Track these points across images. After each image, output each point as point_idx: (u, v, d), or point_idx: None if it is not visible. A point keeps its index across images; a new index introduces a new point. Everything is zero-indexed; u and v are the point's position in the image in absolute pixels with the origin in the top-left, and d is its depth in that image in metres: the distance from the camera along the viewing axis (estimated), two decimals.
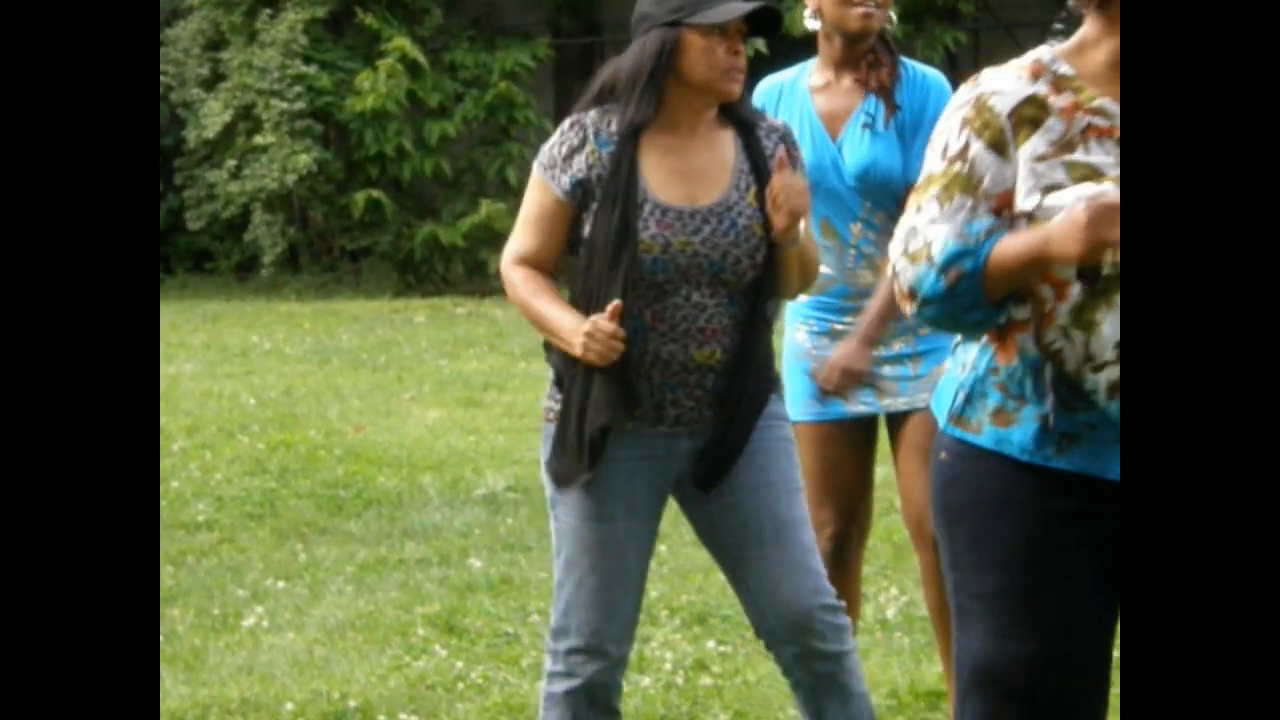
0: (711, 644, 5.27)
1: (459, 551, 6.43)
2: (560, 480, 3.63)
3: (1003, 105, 2.81)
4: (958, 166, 2.82)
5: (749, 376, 3.61)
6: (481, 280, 15.80)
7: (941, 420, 2.97)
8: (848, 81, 4.30)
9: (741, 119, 3.67)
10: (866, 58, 4.29)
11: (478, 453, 8.23)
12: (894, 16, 4.35)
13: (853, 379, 4.18)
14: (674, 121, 3.62)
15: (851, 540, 4.44)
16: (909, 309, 2.89)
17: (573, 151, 3.60)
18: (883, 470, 7.54)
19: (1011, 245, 2.79)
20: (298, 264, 16.60)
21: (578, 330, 3.52)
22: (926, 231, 2.85)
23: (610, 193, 3.56)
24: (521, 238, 3.67)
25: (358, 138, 15.84)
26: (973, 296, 2.82)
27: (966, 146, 2.82)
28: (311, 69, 15.77)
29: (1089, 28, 2.88)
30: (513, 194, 15.86)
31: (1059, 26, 9.66)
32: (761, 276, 3.60)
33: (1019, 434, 2.87)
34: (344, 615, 5.64)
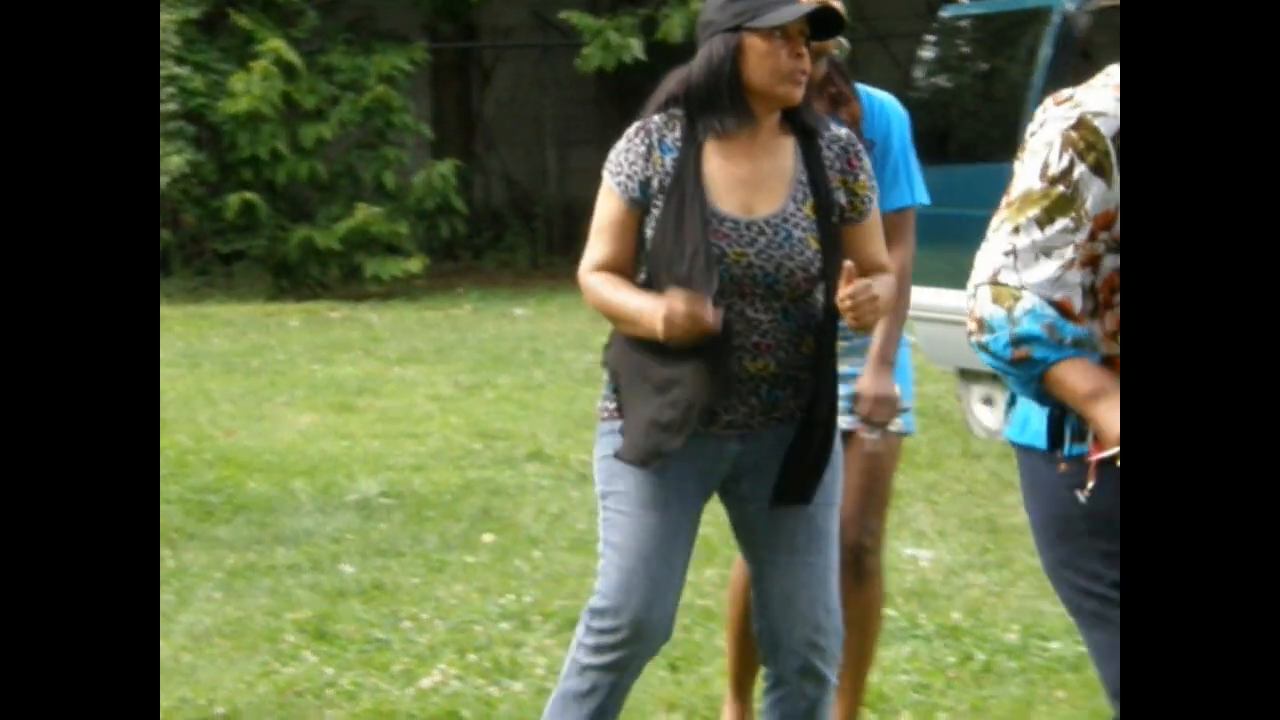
0: None
1: (330, 557, 6.38)
2: (644, 458, 3.64)
3: (1107, 128, 2.79)
4: (1060, 189, 2.80)
5: (826, 393, 3.64)
6: (357, 284, 15.71)
7: (1065, 446, 2.89)
8: None
9: (805, 127, 3.67)
10: (828, 90, 4.18)
11: (350, 458, 8.18)
12: (844, 40, 4.19)
13: (894, 405, 4.12)
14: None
15: None
16: (974, 336, 2.87)
17: (639, 158, 3.64)
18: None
19: (1072, 377, 2.81)
20: (169, 267, 16.43)
21: (656, 313, 3.53)
22: (1024, 273, 2.82)
23: (677, 202, 3.58)
24: (595, 246, 3.70)
25: (231, 140, 15.71)
26: (1028, 381, 2.85)
27: (1070, 168, 2.80)
28: (184, 70, 15.62)
29: None
30: (389, 198, 15.79)
31: (929, 38, 9.74)
32: (819, 288, 3.61)
33: None
34: (212, 621, 5.58)
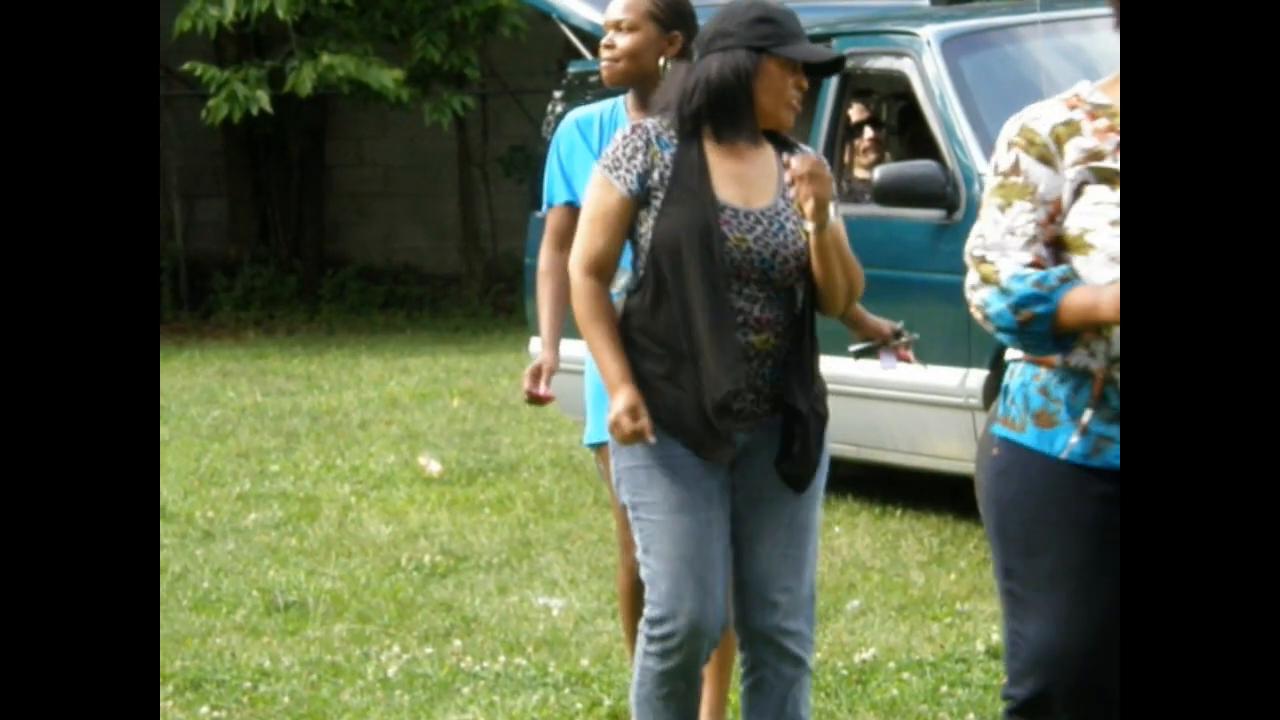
0: (205, 709, 5.13)
1: None
2: (711, 456, 3.94)
3: (1042, 126, 3.24)
4: (1013, 179, 3.25)
5: (810, 384, 3.99)
6: None
7: (993, 422, 3.33)
8: None
9: (781, 139, 4.08)
10: None
11: None
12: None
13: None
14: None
15: None
16: (985, 324, 3.25)
17: (637, 151, 3.95)
18: (392, 528, 7.53)
19: (1074, 300, 3.18)
20: None
21: (617, 392, 3.89)
22: (997, 250, 3.23)
23: (680, 191, 3.92)
24: (588, 239, 3.98)
25: None
26: (1042, 335, 3.21)
27: (1017, 162, 3.25)
28: None
29: None
30: None
31: (558, 94, 9.85)
32: (804, 280, 4.00)
33: (1060, 436, 3.24)
34: None
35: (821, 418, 4.03)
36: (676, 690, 4.00)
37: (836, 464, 7.92)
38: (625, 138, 3.97)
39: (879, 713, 5.06)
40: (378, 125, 16.74)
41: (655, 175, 3.94)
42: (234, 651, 5.71)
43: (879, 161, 7.92)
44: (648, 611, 4.00)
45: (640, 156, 3.94)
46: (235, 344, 14.63)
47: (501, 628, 5.96)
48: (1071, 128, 3.22)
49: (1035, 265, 3.21)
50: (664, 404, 3.94)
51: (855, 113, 8.16)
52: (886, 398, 7.17)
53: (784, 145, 4.07)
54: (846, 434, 6.55)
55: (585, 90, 10.15)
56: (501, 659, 5.57)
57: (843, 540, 7.19)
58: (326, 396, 11.39)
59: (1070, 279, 3.19)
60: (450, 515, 7.77)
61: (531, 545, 7.21)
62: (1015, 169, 3.25)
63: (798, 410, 3.97)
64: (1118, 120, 3.20)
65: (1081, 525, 3.22)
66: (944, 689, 5.21)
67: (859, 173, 8.03)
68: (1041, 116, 3.26)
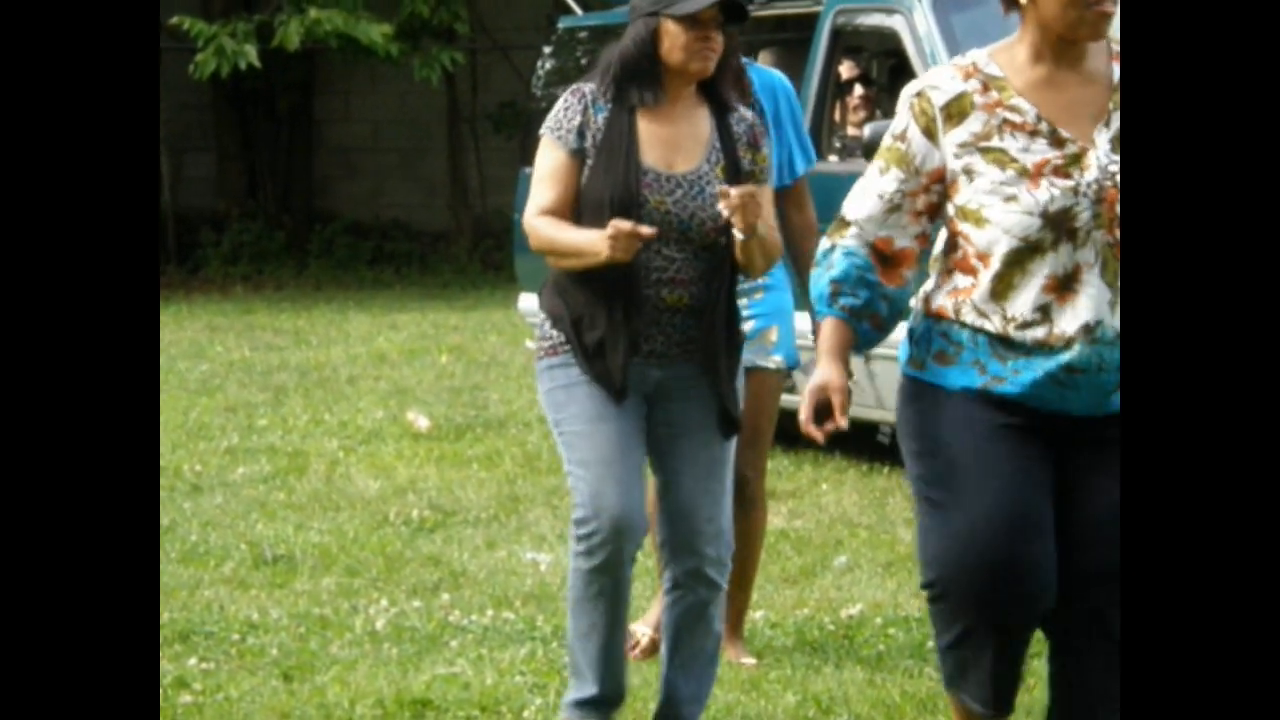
0: (193, 661, 5.14)
1: None
2: (610, 391, 4.20)
3: (938, 99, 3.45)
4: (900, 145, 3.49)
5: (722, 329, 4.23)
6: None
7: (901, 361, 3.61)
8: None
9: (719, 101, 4.31)
10: (732, 63, 4.61)
11: None
12: None
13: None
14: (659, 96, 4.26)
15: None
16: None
17: (576, 113, 4.21)
18: (403, 474, 7.54)
19: (823, 333, 3.60)
20: None
21: (601, 238, 4.07)
22: (857, 208, 3.52)
23: (607, 155, 4.17)
24: (539, 193, 4.23)
25: None
26: (816, 311, 3.60)
27: (907, 129, 3.47)
28: None
29: (1020, 28, 3.47)
30: None
31: (548, 50, 9.83)
32: (726, 237, 4.18)
33: (953, 374, 3.51)
34: None
35: (735, 366, 4.30)
36: (604, 588, 4.23)
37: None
38: (565, 101, 4.24)
39: (866, 667, 5.09)
40: (366, 80, 16.71)
41: (589, 137, 4.20)
42: (222, 604, 5.72)
43: (870, 119, 7.91)
44: (573, 513, 4.24)
45: (578, 117, 4.21)
46: (223, 299, 14.62)
47: (489, 582, 5.97)
48: (964, 103, 3.42)
49: (878, 247, 3.50)
50: (589, 339, 4.20)
51: (846, 70, 8.15)
52: (875, 355, 7.17)
53: (723, 108, 4.29)
54: None
55: (575, 46, 10.12)
56: (489, 613, 5.59)
57: (830, 497, 7.20)
58: (314, 352, 11.39)
59: (870, 309, 3.55)
60: (438, 470, 7.78)
61: (519, 500, 7.22)
62: (904, 135, 3.47)
63: (715, 367, 4.23)
64: (1006, 93, 3.41)
65: (974, 425, 3.48)
66: (930, 644, 5.23)
67: (850, 130, 8.02)
68: (940, 87, 3.45)
